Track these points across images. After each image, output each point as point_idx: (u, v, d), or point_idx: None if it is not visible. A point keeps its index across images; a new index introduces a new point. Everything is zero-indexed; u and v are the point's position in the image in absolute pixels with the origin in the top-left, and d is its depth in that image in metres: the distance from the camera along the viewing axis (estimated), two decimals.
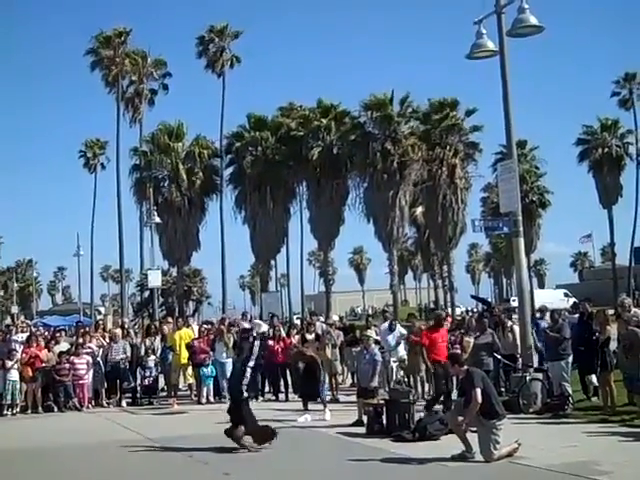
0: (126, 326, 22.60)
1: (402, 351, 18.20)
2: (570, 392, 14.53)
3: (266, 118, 54.55)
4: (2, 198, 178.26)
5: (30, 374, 18.10)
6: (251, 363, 12.53)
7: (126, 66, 58.84)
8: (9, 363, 17.89)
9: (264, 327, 14.40)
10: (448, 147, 51.07)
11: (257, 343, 13.12)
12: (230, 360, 19.09)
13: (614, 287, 58.35)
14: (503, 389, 15.16)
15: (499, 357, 15.38)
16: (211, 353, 19.05)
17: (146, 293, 55.63)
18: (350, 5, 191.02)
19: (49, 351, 18.86)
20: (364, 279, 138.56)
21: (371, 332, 16.67)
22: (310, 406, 15.16)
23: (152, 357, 19.64)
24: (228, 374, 19.01)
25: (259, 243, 53.26)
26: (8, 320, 53.00)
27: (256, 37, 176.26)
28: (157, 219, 43.12)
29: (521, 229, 16.22)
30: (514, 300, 44.67)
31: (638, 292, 62.02)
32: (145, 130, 58.48)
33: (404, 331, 18.50)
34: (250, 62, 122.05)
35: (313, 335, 19.16)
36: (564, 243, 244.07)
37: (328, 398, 16.60)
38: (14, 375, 17.87)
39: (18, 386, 17.93)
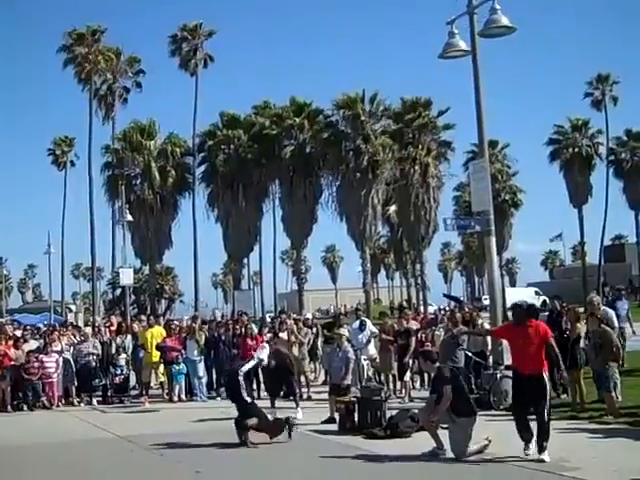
0: (97, 324, 22.40)
1: (373, 349, 18.23)
2: None
3: (239, 116, 54.47)
4: None
5: None
6: (241, 375, 12.67)
7: (100, 63, 58.43)
8: None
9: (265, 355, 14.56)
10: (421, 146, 51.27)
11: (252, 363, 13.62)
12: (201, 358, 19.10)
13: (584, 285, 58.92)
14: (474, 386, 15.22)
15: (469, 354, 15.47)
16: (183, 351, 18.97)
17: (118, 291, 55.26)
18: (323, 5, 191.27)
19: (17, 349, 18.67)
20: (337, 277, 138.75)
21: (344, 330, 16.66)
22: (283, 404, 15.15)
23: (123, 355, 19.52)
24: (200, 372, 19.00)
25: (232, 241, 53.15)
26: None
27: (229, 36, 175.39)
28: (129, 217, 42.87)
29: (493, 228, 16.32)
30: (486, 298, 44.94)
31: (607, 290, 62.79)
32: (118, 128, 58.23)
33: (375, 330, 18.52)
34: (223, 61, 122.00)
35: (285, 333, 19.16)
36: (535, 242, 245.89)
37: (305, 396, 16.64)
38: None
39: None
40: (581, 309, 16.44)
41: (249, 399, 12.53)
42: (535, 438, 9.95)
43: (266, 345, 15.33)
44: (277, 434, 12.05)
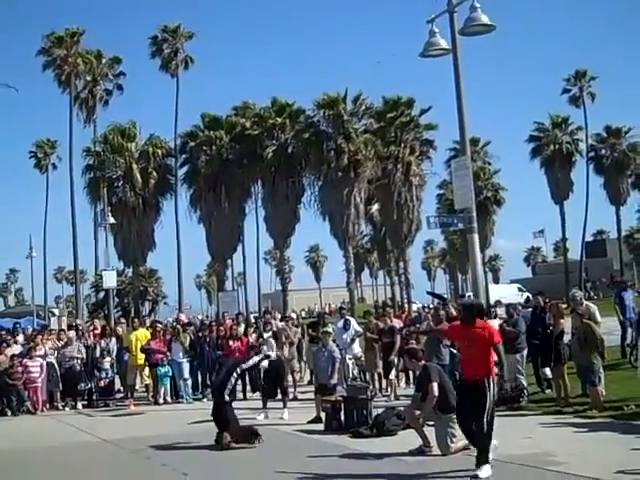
0: (80, 327, 22.31)
1: (357, 348, 18.28)
2: (525, 385, 14.73)
3: (220, 117, 54.31)
4: None
5: None
6: (239, 370, 12.62)
7: (79, 66, 58.10)
8: None
9: (273, 354, 14.63)
10: (403, 145, 51.34)
11: (257, 358, 13.55)
12: (186, 360, 19.07)
13: (566, 281, 59.27)
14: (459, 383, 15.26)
15: (454, 351, 15.51)
16: (168, 353, 18.94)
17: (101, 294, 55.04)
18: (303, 4, 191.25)
19: (1, 354, 18.56)
20: (320, 277, 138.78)
21: (329, 329, 16.68)
22: (269, 404, 15.17)
23: (107, 358, 19.45)
24: (185, 374, 18.98)
25: (215, 242, 53.00)
26: None
27: (209, 37, 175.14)
28: (111, 219, 42.65)
29: (475, 225, 16.35)
30: (469, 295, 45.10)
31: (589, 285, 63.20)
32: (99, 130, 57.90)
33: (359, 328, 18.57)
34: (204, 62, 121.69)
35: (270, 333, 19.17)
36: (517, 238, 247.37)
37: (291, 396, 16.67)
38: None
39: None
40: (564, 305, 16.52)
41: (228, 398, 12.43)
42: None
43: (272, 341, 15.39)
44: (243, 441, 11.93)
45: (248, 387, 18.52)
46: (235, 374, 12.63)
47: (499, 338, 9.67)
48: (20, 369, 18.12)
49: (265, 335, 19.04)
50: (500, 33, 16.10)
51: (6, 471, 11.32)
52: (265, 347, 15.19)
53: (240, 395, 18.44)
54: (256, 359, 13.57)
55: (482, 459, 8.94)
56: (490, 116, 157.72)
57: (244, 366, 13.01)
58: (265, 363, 14.40)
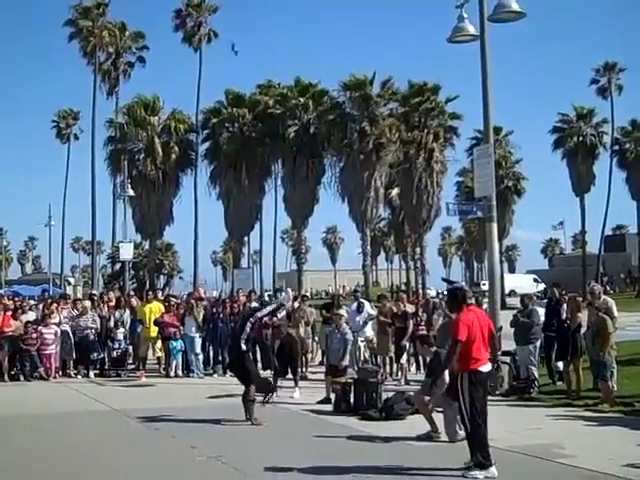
0: (95, 298, 22.44)
1: (369, 331, 18.28)
2: (537, 376, 14.70)
3: (244, 95, 54.20)
4: None
5: None
6: (253, 319, 12.54)
7: (104, 37, 58.10)
8: None
9: (288, 302, 14.45)
10: (426, 130, 51.10)
11: (272, 307, 13.33)
12: (199, 335, 19.14)
13: (583, 274, 58.93)
14: None
15: None
16: (181, 327, 19.02)
17: (117, 266, 55.27)
18: None
19: (16, 320, 18.73)
20: (336, 258, 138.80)
21: (342, 311, 16.69)
22: (280, 382, 15.22)
23: (121, 329, 19.59)
24: (197, 349, 19.06)
25: (233, 219, 53.05)
26: None
27: (235, 13, 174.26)
28: (131, 192, 42.83)
29: (495, 214, 16.28)
30: (484, 284, 45.01)
31: (606, 280, 62.84)
32: (121, 103, 57.92)
33: (372, 312, 18.57)
34: (228, 38, 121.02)
35: (284, 312, 19.17)
36: (535, 229, 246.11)
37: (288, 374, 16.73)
38: None
39: None
40: (581, 298, 16.44)
41: (244, 347, 12.42)
42: None
43: (289, 290, 15.30)
44: (265, 391, 12.16)
45: (259, 364, 18.55)
46: (250, 323, 12.50)
47: (455, 333, 8.77)
48: (35, 335, 18.29)
49: (279, 314, 19.03)
50: (528, 21, 15.93)
51: (16, 435, 11.42)
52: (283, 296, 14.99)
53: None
54: (270, 308, 13.35)
55: (473, 460, 8.51)
56: (513, 106, 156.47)
57: (259, 315, 12.88)
58: (283, 313, 14.30)
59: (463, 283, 14.39)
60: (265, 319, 18.51)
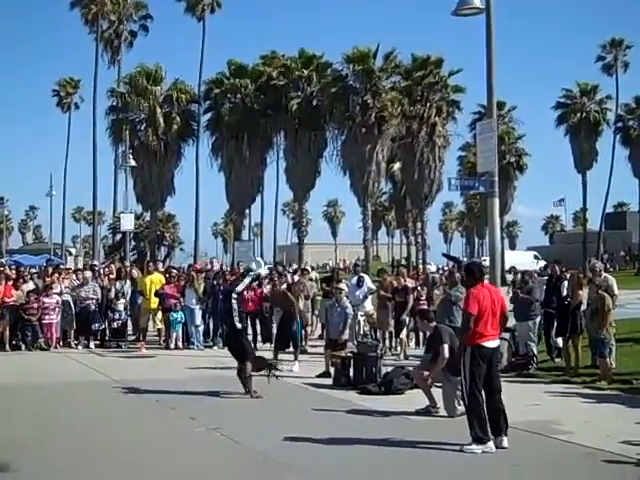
0: (96, 269, 22.47)
1: (369, 305, 18.31)
2: (535, 352, 14.75)
3: (247, 66, 53.87)
4: None
5: None
6: (234, 295, 12.54)
7: (106, 5, 57.68)
8: None
9: (262, 270, 14.40)
10: (429, 104, 50.85)
11: (247, 280, 13.17)
12: (199, 307, 19.18)
13: (583, 251, 58.97)
14: None
15: None
16: (181, 299, 19.05)
17: (118, 236, 55.32)
18: None
19: (17, 289, 18.75)
20: (337, 232, 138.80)
21: (343, 285, 16.71)
22: (280, 355, 15.26)
23: (122, 300, 19.62)
24: (197, 320, 19.10)
25: (234, 191, 52.96)
26: None
27: None
28: (132, 162, 42.66)
29: (497, 190, 16.22)
30: (485, 260, 45.00)
31: (606, 257, 62.86)
32: (123, 72, 57.70)
33: (372, 286, 18.59)
34: (231, 8, 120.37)
35: (285, 285, 19.21)
36: (536, 206, 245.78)
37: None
38: None
39: None
40: (582, 275, 16.44)
41: (239, 325, 12.50)
42: None
43: (260, 260, 15.25)
44: (259, 370, 12.15)
45: (259, 337, 18.61)
46: (233, 300, 12.52)
47: (465, 306, 8.89)
48: (36, 305, 18.32)
49: (264, 286, 19.09)
50: None
51: (15, 405, 11.48)
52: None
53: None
54: (247, 280, 13.29)
55: (471, 434, 8.57)
56: (517, 81, 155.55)
57: (238, 289, 12.90)
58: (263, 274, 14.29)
59: (465, 259, 14.35)
60: (265, 291, 18.65)
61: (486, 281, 9.87)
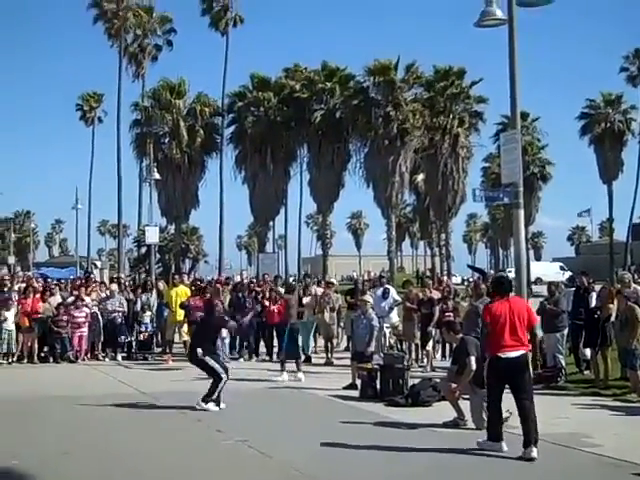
0: (122, 281, 22.63)
1: (395, 317, 18.28)
2: (564, 364, 14.63)
3: (270, 79, 54.19)
4: (1, 150, 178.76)
5: (27, 324, 18.22)
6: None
7: (129, 20, 58.21)
8: (5, 313, 17.96)
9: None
10: (452, 116, 50.82)
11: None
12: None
13: (610, 262, 58.45)
14: None
15: None
16: None
17: (143, 249, 55.62)
18: None
19: (44, 302, 18.93)
20: (361, 244, 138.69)
21: (368, 297, 16.68)
22: (289, 367, 15.36)
23: (148, 313, 19.72)
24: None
25: (258, 204, 53.21)
26: (5, 270, 53.04)
27: None
28: (156, 175, 42.93)
29: (522, 200, 16.15)
30: (510, 271, 44.75)
31: (634, 268, 62.21)
32: (147, 86, 58.21)
33: (398, 297, 18.55)
34: (254, 22, 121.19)
35: (309, 298, 19.23)
36: (562, 217, 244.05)
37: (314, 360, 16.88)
38: (10, 325, 17.97)
39: (14, 336, 18.06)
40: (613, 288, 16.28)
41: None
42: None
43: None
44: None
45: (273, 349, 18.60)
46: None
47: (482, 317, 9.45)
48: (65, 318, 18.48)
49: (305, 300, 19.11)
50: (557, 5, 15.73)
51: (45, 417, 11.56)
52: (306, 312, 15.26)
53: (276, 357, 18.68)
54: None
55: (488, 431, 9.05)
56: (540, 91, 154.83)
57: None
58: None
59: (491, 271, 14.29)
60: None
61: (512, 294, 9.88)
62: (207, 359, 12.15)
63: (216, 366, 12.15)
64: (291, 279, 35.98)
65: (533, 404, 8.97)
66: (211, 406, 11.85)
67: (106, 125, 70.93)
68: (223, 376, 12.04)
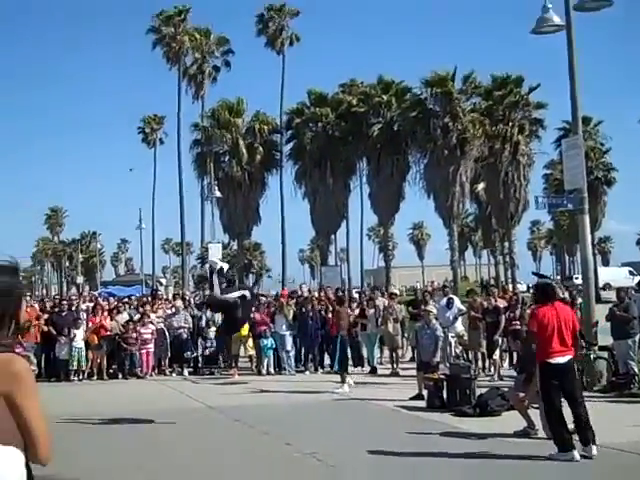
0: (186, 297, 22.92)
1: (460, 327, 18.16)
2: (636, 371, 14.30)
3: (326, 94, 54.48)
4: (67, 174, 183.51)
5: (96, 342, 18.61)
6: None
7: (186, 43, 59.18)
8: (75, 331, 18.39)
9: (220, 264, 14.78)
10: (511, 124, 50.33)
11: (215, 279, 13.86)
12: (289, 332, 19.35)
13: None
14: None
15: None
16: (271, 325, 19.24)
17: (206, 266, 56.29)
18: None
19: (112, 320, 19.31)
20: (424, 254, 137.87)
21: (431, 307, 16.60)
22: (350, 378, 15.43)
23: (213, 328, 19.93)
24: (288, 346, 19.26)
25: (319, 218, 53.39)
26: (74, 290, 54.21)
27: (315, 14, 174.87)
28: (218, 193, 43.49)
29: (586, 206, 15.93)
30: (577, 278, 44.04)
31: None
32: (206, 106, 59.03)
33: (462, 307, 18.43)
34: (310, 39, 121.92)
35: (373, 310, 19.22)
36: (630, 221, 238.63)
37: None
38: (80, 343, 18.40)
39: (84, 353, 18.47)
40: None
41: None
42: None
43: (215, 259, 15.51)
44: None
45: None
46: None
47: (527, 324, 9.62)
48: (134, 335, 18.83)
49: (369, 311, 19.13)
50: (617, 6, 15.51)
51: (117, 431, 11.76)
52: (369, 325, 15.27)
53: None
54: (215, 280, 13.86)
55: (555, 443, 8.89)
56: (602, 94, 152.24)
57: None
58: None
59: (557, 277, 14.08)
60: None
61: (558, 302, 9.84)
62: None
63: None
64: (354, 291, 35.94)
65: (585, 407, 9.02)
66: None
67: (167, 146, 72.25)
68: None
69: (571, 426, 9.53)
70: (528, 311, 16.90)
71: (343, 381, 15.25)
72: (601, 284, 50.33)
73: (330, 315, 18.95)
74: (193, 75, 60.83)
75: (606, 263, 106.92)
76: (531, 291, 26.74)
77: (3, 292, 2.67)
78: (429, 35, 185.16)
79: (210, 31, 60.65)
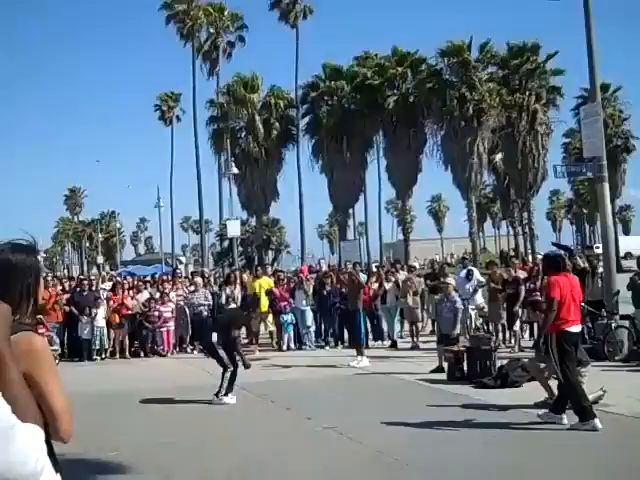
0: (206, 275, 23.01)
1: (480, 299, 18.11)
2: None
3: (341, 68, 54.20)
4: (86, 154, 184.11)
5: (117, 321, 18.75)
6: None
7: (200, 19, 58.97)
8: (95, 310, 18.52)
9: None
10: (528, 92, 49.85)
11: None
12: (309, 308, 19.39)
13: None
14: (587, 336, 14.88)
15: (582, 304, 15.10)
16: (291, 301, 19.29)
17: (226, 243, 56.43)
18: None
19: (133, 299, 19.43)
20: (442, 227, 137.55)
21: (451, 280, 16.56)
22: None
23: (232, 305, 19.96)
24: (308, 322, 19.31)
25: (337, 192, 53.33)
26: (94, 270, 54.61)
27: None
28: (235, 170, 43.45)
29: (606, 174, 15.79)
30: (597, 247, 43.74)
31: None
32: (221, 82, 58.91)
33: (482, 279, 18.36)
34: (324, 12, 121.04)
35: (392, 283, 19.20)
36: None
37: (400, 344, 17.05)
38: (101, 322, 18.52)
39: (105, 332, 18.61)
40: None
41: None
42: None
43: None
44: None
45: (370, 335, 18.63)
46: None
47: (548, 292, 9.29)
48: (156, 313, 18.94)
49: (387, 285, 19.10)
50: None
51: (144, 408, 11.86)
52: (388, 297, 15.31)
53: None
54: None
55: (575, 411, 8.88)
56: (621, 60, 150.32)
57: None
58: None
59: (578, 247, 13.97)
60: (374, 288, 18.64)
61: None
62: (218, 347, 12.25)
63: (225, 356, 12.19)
64: (373, 265, 35.96)
65: None
66: (228, 399, 11.87)
67: (183, 123, 72.27)
68: (230, 367, 12.09)
69: (591, 396, 9.54)
70: (544, 281, 16.91)
71: (361, 354, 15.28)
72: (622, 253, 50.01)
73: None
74: (207, 51, 60.67)
75: (627, 232, 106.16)
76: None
77: (19, 270, 2.67)
78: (443, 4, 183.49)
79: (224, 6, 60.38)
